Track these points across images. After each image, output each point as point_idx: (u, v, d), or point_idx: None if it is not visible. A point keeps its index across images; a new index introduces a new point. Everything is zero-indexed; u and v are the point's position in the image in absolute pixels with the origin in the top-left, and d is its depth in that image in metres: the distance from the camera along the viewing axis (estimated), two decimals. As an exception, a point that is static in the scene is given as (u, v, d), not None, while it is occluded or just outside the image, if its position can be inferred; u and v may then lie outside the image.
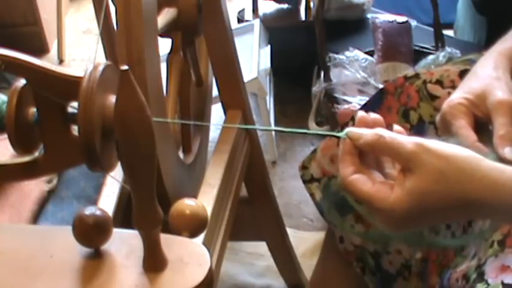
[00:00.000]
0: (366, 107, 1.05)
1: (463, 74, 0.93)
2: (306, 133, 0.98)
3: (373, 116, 0.70)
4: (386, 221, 0.66)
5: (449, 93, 0.92)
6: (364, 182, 0.66)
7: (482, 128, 0.79)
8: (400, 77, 0.99)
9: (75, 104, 0.64)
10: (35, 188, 1.07)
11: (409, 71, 0.98)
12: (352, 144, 0.67)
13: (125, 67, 0.55)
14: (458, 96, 0.81)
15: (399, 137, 0.66)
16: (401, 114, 0.95)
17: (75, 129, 0.65)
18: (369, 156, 0.68)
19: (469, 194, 0.63)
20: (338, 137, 0.69)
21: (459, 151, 0.65)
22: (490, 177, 0.63)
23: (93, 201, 0.95)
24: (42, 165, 0.68)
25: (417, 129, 0.94)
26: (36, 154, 1.10)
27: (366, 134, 0.67)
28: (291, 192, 1.86)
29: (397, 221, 0.65)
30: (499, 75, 0.81)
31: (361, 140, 0.67)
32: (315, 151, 1.11)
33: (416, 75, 0.96)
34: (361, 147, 0.67)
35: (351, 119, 1.03)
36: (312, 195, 1.10)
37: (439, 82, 0.94)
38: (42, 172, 0.69)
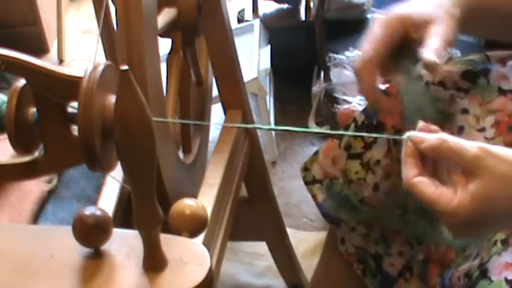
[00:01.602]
0: (367, 110, 1.05)
1: (465, 74, 0.92)
2: (363, 136, 0.98)
3: (433, 126, 0.71)
4: (450, 225, 0.67)
5: (451, 95, 0.92)
6: (427, 185, 0.66)
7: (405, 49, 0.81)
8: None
9: (75, 104, 0.64)
10: (35, 188, 1.07)
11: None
12: (414, 148, 0.68)
13: (125, 67, 0.55)
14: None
15: (463, 141, 0.66)
16: (404, 116, 0.95)
17: (75, 129, 0.65)
18: (427, 163, 0.69)
19: None
20: (400, 140, 0.69)
21: None
22: None
23: (93, 201, 0.95)
24: (42, 165, 0.68)
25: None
26: (36, 154, 1.10)
27: (429, 138, 0.67)
28: (291, 192, 1.86)
29: (461, 225, 0.66)
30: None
31: (424, 144, 0.67)
32: (316, 153, 1.11)
33: (419, 77, 0.96)
34: (424, 151, 0.67)
35: (353, 121, 1.03)
36: (314, 196, 1.10)
37: (441, 83, 0.94)
38: (41, 172, 0.69)
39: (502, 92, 0.88)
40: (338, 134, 1.03)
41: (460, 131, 0.91)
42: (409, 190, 0.67)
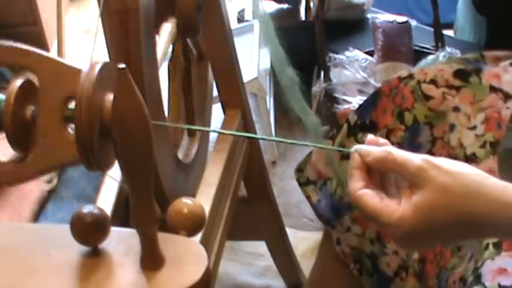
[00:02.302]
0: (360, 109, 1.05)
1: (457, 73, 0.93)
2: (315, 146, 0.98)
3: (382, 140, 0.71)
4: (394, 237, 0.67)
5: (443, 93, 0.93)
6: (372, 197, 0.66)
7: None
8: (395, 78, 0.99)
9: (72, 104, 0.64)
10: (35, 188, 1.07)
11: (404, 72, 0.98)
12: (361, 160, 0.68)
13: (122, 65, 0.55)
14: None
15: (407, 154, 0.66)
16: (396, 115, 0.95)
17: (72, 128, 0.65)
18: (374, 176, 0.69)
19: (476, 210, 0.63)
20: (347, 153, 0.69)
21: (466, 168, 0.66)
22: (495, 194, 0.63)
23: (93, 201, 0.95)
24: (34, 164, 0.67)
25: (412, 130, 0.94)
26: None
27: (375, 150, 0.68)
28: (291, 192, 1.86)
29: (405, 237, 0.66)
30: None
31: (369, 157, 0.68)
32: (310, 154, 1.11)
33: (410, 76, 0.96)
34: (370, 164, 0.68)
35: (346, 121, 1.03)
36: (308, 197, 1.10)
37: (433, 82, 0.94)
38: (33, 172, 0.69)
39: (493, 90, 0.89)
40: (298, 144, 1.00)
41: (451, 129, 0.91)
42: (354, 203, 0.67)
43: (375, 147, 0.69)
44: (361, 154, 0.68)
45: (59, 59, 0.65)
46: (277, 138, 0.96)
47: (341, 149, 0.72)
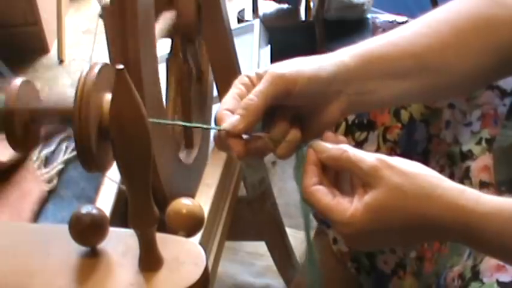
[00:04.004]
0: None
1: None
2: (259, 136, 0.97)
3: (340, 137, 0.71)
4: (344, 235, 0.66)
5: None
6: (325, 194, 0.66)
7: None
8: None
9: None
10: (35, 187, 1.07)
11: None
12: (316, 156, 0.67)
13: (120, 66, 0.55)
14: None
15: (362, 153, 0.66)
16: (393, 113, 0.95)
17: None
18: (330, 173, 0.69)
19: (429, 212, 0.63)
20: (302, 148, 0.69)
21: (420, 169, 0.65)
22: (449, 196, 0.63)
23: (94, 201, 0.95)
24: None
25: (408, 128, 0.94)
26: (35, 153, 1.10)
27: (331, 148, 0.67)
28: (291, 192, 1.86)
29: (354, 235, 0.65)
30: (305, 58, 0.74)
31: (325, 154, 0.67)
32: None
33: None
34: (325, 161, 0.67)
35: (344, 120, 1.03)
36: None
37: None
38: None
39: (490, 87, 0.89)
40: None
41: (447, 126, 0.91)
42: (306, 199, 0.67)
43: (331, 144, 0.68)
44: (317, 150, 0.68)
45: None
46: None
47: (298, 145, 0.71)
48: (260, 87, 0.69)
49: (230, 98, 0.71)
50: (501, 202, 0.63)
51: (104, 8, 0.92)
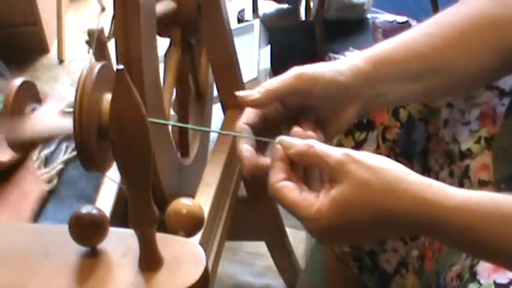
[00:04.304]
0: None
1: None
2: (225, 133, 0.99)
3: (309, 132, 0.71)
4: (311, 230, 0.66)
5: None
6: (292, 190, 0.65)
7: None
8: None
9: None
10: (35, 187, 1.07)
11: None
12: (283, 152, 0.67)
13: (120, 66, 0.55)
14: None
15: (329, 148, 0.66)
16: (392, 112, 0.95)
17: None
18: (298, 169, 0.68)
19: (395, 207, 0.62)
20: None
21: (387, 163, 0.65)
22: (415, 190, 0.62)
23: (93, 201, 0.95)
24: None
25: (407, 126, 0.94)
26: (35, 154, 1.10)
27: (298, 143, 0.67)
28: (291, 192, 1.86)
29: (321, 231, 0.65)
30: (327, 62, 0.79)
31: (292, 149, 0.67)
32: None
33: None
34: (292, 156, 0.67)
35: None
36: None
37: None
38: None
39: (488, 87, 0.89)
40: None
41: (445, 125, 0.91)
42: (273, 195, 0.66)
43: (298, 139, 0.68)
44: (284, 146, 0.68)
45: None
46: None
47: (264, 138, 0.72)
48: (283, 77, 0.73)
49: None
50: (468, 196, 0.63)
51: (90, 34, 0.92)
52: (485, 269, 0.74)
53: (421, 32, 0.80)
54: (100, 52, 0.95)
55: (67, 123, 0.62)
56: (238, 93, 0.73)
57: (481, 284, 0.73)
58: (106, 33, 1.02)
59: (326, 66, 0.76)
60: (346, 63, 0.77)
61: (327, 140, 0.72)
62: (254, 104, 0.73)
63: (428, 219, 0.62)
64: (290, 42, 2.16)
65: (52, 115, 0.67)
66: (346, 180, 0.63)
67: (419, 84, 0.79)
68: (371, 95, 0.77)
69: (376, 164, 0.64)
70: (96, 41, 0.87)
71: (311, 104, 0.74)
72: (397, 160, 0.67)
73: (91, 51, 1.04)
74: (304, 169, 0.69)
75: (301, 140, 0.68)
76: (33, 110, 0.69)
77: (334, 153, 0.65)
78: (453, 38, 0.79)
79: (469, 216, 0.62)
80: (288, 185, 0.66)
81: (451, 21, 0.80)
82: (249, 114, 0.75)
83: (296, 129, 0.71)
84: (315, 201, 0.64)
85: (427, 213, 0.62)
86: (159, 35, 0.89)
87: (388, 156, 0.68)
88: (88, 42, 0.99)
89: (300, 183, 0.67)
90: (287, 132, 0.73)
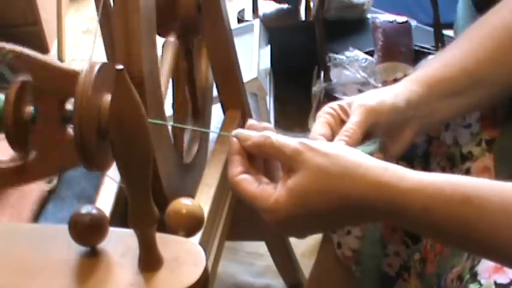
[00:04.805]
0: None
1: None
2: (195, 130, 0.99)
3: (264, 124, 0.72)
4: (270, 221, 0.66)
5: None
6: (250, 182, 0.66)
7: None
8: (391, 80, 0.99)
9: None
10: (35, 188, 1.07)
11: (400, 73, 0.99)
12: (241, 145, 0.68)
13: (120, 66, 0.55)
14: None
15: (285, 138, 0.66)
16: None
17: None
18: (257, 161, 0.69)
19: (350, 192, 0.62)
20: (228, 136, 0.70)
21: (343, 150, 0.65)
22: (371, 174, 0.63)
23: (94, 201, 0.95)
24: (34, 169, 0.67)
25: None
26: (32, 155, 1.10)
27: (254, 135, 0.68)
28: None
29: (280, 221, 0.65)
30: (382, 89, 0.81)
31: (248, 142, 0.67)
32: None
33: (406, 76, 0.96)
34: (248, 149, 0.68)
35: None
36: None
37: None
38: (33, 176, 0.69)
39: None
40: None
41: (446, 128, 0.91)
42: (232, 189, 0.67)
43: (255, 132, 0.68)
44: (240, 139, 0.68)
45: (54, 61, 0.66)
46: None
47: (222, 132, 0.72)
48: (357, 118, 0.74)
49: (320, 125, 0.76)
50: (425, 178, 0.63)
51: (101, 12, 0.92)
52: (485, 269, 0.74)
53: (463, 49, 0.83)
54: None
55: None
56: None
57: (481, 285, 0.73)
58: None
59: (385, 94, 0.78)
60: (402, 88, 0.79)
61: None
62: None
63: (385, 203, 0.62)
64: (290, 42, 2.16)
65: None
66: (303, 168, 0.63)
67: (466, 98, 0.82)
68: (425, 115, 0.80)
69: (331, 151, 0.64)
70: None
71: (374, 132, 0.76)
72: (398, 163, 0.67)
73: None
74: (264, 162, 0.70)
75: (257, 133, 0.68)
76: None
77: (291, 142, 0.65)
78: (491, 49, 0.82)
79: (427, 197, 0.62)
80: (246, 178, 0.66)
81: (486, 33, 0.83)
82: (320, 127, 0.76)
83: (252, 121, 0.72)
84: (272, 192, 0.64)
85: (384, 196, 0.62)
86: (159, 35, 0.89)
87: (385, 159, 0.69)
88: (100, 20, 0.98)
89: (259, 175, 0.68)
90: None
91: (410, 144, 0.83)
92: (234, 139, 0.68)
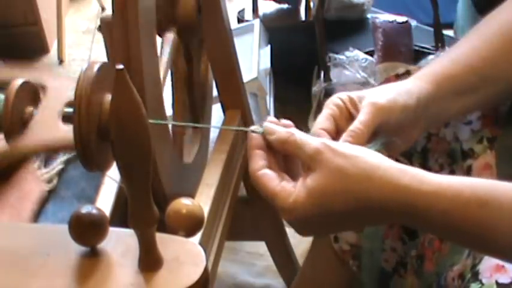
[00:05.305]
0: None
1: None
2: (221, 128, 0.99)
3: (284, 121, 0.71)
4: (289, 221, 0.66)
5: None
6: (271, 178, 0.66)
7: None
8: (392, 76, 0.99)
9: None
10: (35, 188, 1.07)
11: (401, 69, 0.98)
12: (260, 141, 0.68)
13: (120, 66, 0.55)
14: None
15: (308, 137, 0.67)
16: None
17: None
18: (278, 158, 0.69)
19: (369, 193, 0.63)
20: (252, 131, 0.70)
21: (362, 151, 0.65)
22: (390, 176, 0.63)
23: (94, 201, 0.95)
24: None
25: None
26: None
27: (280, 130, 0.68)
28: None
29: (298, 221, 0.65)
30: (393, 85, 0.80)
31: (273, 135, 0.68)
32: None
33: (407, 72, 0.96)
34: (272, 142, 0.68)
35: None
36: None
37: None
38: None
39: None
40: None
41: (446, 124, 0.91)
42: (253, 183, 0.67)
43: (281, 127, 0.69)
44: (267, 131, 0.68)
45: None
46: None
47: (246, 128, 0.72)
48: (366, 117, 0.73)
49: (324, 118, 0.74)
50: (445, 181, 0.63)
51: (102, 21, 0.92)
52: (487, 269, 0.74)
53: (471, 46, 0.83)
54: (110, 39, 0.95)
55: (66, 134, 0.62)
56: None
57: (483, 284, 0.73)
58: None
59: (397, 91, 0.77)
60: (411, 85, 0.79)
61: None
62: None
63: (404, 205, 0.62)
64: (290, 42, 2.16)
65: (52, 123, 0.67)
66: (322, 168, 0.63)
67: (475, 96, 0.81)
68: (433, 114, 0.79)
69: (351, 153, 0.64)
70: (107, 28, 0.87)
71: (383, 131, 0.76)
72: (397, 160, 0.67)
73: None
74: (285, 158, 0.70)
75: (283, 128, 0.68)
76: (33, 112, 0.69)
77: (313, 142, 0.65)
78: (497, 47, 0.82)
79: (447, 200, 0.62)
80: (268, 173, 0.66)
81: (493, 30, 0.83)
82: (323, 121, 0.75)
83: (271, 118, 0.72)
84: (292, 191, 0.64)
85: (403, 199, 0.62)
86: (159, 35, 0.89)
87: (389, 155, 0.69)
88: (100, 29, 0.98)
89: (281, 172, 0.67)
90: None
91: (414, 141, 0.83)
92: (254, 134, 0.68)
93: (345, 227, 0.78)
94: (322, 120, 0.74)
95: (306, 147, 0.65)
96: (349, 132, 0.72)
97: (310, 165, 0.64)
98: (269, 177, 0.66)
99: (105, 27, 0.89)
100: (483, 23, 0.86)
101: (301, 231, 0.69)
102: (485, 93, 0.82)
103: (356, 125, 0.73)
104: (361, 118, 0.73)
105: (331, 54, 1.92)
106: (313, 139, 0.66)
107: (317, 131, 0.73)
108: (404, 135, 0.79)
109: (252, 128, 0.70)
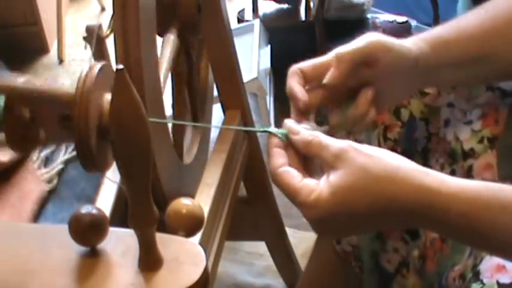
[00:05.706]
0: None
1: None
2: (245, 130, 0.99)
3: (305, 124, 0.72)
4: (310, 219, 0.66)
5: (438, 90, 0.93)
6: (293, 176, 0.66)
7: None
8: None
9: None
10: (35, 188, 1.08)
11: None
12: (279, 141, 0.69)
13: (120, 66, 0.55)
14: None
15: (332, 139, 0.67)
16: (393, 112, 0.95)
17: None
18: (298, 157, 0.69)
19: (390, 194, 0.63)
20: (272, 134, 0.70)
21: (386, 154, 0.65)
22: (411, 177, 0.63)
23: (93, 201, 0.95)
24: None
25: (408, 126, 0.94)
26: (36, 154, 1.10)
27: (305, 131, 0.69)
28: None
29: (319, 219, 0.65)
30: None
31: (298, 136, 0.68)
32: None
33: None
34: (296, 143, 0.68)
35: None
36: None
37: None
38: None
39: (490, 88, 0.89)
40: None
41: (446, 124, 0.91)
42: (274, 180, 0.67)
43: (305, 129, 0.69)
44: (291, 130, 0.69)
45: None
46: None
47: (267, 130, 0.72)
48: (354, 43, 0.77)
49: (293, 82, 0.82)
50: (465, 183, 0.63)
51: (88, 30, 0.92)
52: (488, 269, 0.74)
53: (475, 16, 0.84)
54: (98, 49, 0.95)
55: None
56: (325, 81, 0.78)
57: (484, 284, 0.73)
58: (104, 30, 1.02)
59: (397, 40, 0.79)
60: (412, 41, 0.80)
61: (378, 113, 0.75)
62: (332, 79, 0.77)
63: (425, 207, 0.62)
64: (290, 42, 2.16)
65: None
66: (346, 167, 0.64)
67: (474, 68, 0.82)
68: (429, 76, 0.81)
69: (375, 154, 0.65)
70: (94, 38, 0.87)
71: (376, 73, 0.76)
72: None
73: (88, 47, 1.04)
74: (304, 158, 0.69)
75: (307, 130, 0.69)
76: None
77: (337, 143, 0.66)
78: (501, 23, 0.82)
79: (467, 203, 0.62)
80: (289, 170, 0.66)
81: (500, 6, 0.83)
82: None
83: (290, 121, 0.72)
84: (314, 188, 0.64)
85: (424, 200, 0.62)
86: (159, 35, 0.89)
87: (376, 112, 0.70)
88: (86, 38, 0.99)
89: (301, 170, 0.67)
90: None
91: (405, 98, 0.85)
92: (272, 135, 0.69)
93: (364, 227, 0.77)
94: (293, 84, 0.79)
95: (330, 147, 0.65)
96: (334, 55, 0.78)
97: (334, 164, 0.64)
98: (291, 174, 0.66)
99: (90, 35, 0.90)
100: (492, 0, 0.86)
101: (320, 230, 0.69)
102: (486, 67, 0.83)
103: (337, 51, 0.77)
104: (348, 47, 0.77)
105: (331, 54, 1.91)
106: (338, 141, 0.66)
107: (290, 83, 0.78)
108: (397, 86, 0.79)
109: (273, 130, 0.70)
